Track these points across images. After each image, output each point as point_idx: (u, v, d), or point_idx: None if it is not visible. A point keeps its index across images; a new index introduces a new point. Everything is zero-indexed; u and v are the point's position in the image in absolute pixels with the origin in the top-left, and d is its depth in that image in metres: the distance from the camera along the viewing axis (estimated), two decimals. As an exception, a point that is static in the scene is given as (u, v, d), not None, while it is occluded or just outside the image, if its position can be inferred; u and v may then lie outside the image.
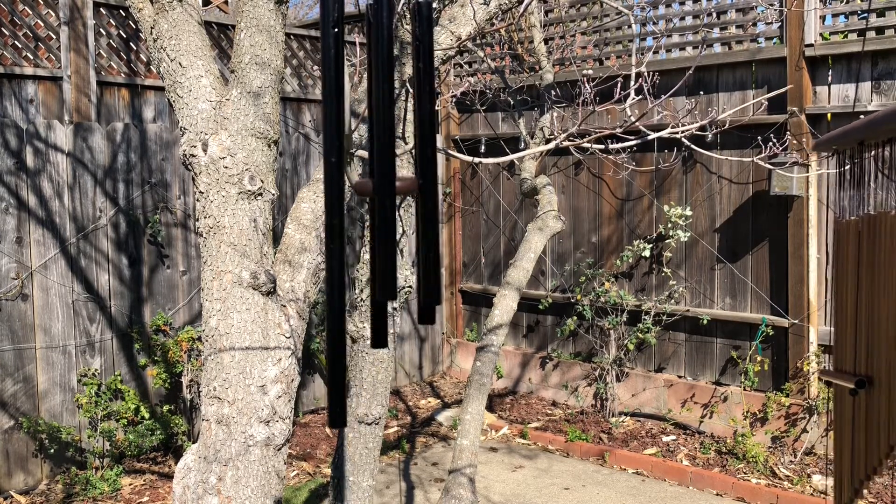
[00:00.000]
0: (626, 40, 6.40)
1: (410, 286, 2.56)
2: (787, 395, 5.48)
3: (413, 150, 2.51)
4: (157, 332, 5.57)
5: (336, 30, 0.44)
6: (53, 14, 5.26)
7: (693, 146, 4.08)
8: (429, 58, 0.46)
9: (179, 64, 2.14)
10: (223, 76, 2.23)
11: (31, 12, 5.16)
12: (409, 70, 2.37)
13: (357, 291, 2.58)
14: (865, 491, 2.03)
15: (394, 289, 0.48)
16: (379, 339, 0.55)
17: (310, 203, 2.28)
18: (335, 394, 0.45)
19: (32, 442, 5.01)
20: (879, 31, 5.09)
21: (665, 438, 5.84)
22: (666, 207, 6.09)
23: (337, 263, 0.46)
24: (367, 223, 2.70)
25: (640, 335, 6.20)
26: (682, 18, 6.03)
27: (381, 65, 0.45)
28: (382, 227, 0.46)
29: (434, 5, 2.55)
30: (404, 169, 2.44)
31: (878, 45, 5.04)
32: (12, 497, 4.86)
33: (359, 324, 2.57)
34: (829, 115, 5.35)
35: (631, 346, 6.34)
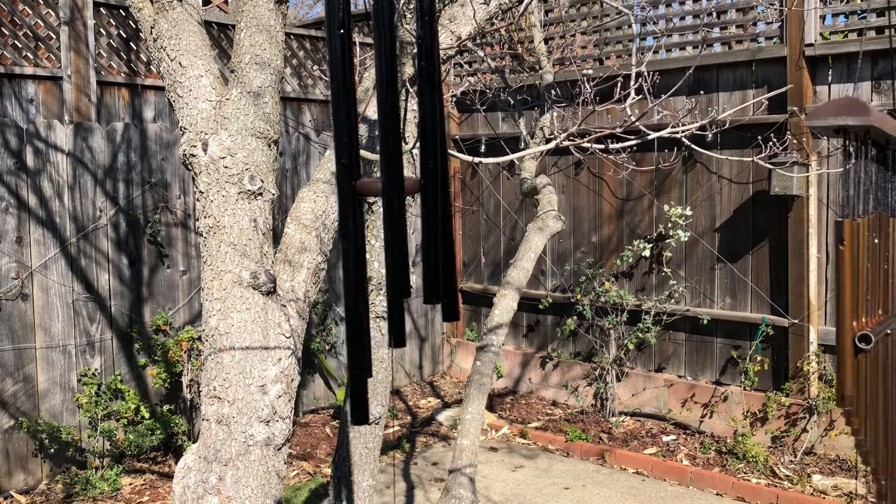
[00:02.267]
0: (626, 40, 6.40)
1: (411, 286, 2.56)
2: (788, 395, 5.48)
3: (413, 150, 2.51)
4: (157, 332, 5.57)
5: (342, 31, 0.44)
6: (53, 14, 5.26)
7: (693, 146, 4.08)
8: (431, 56, 0.46)
9: (179, 64, 2.13)
10: (223, 76, 2.23)
11: (31, 12, 5.16)
12: (409, 70, 2.36)
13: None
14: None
15: (408, 287, 0.48)
16: (396, 339, 0.55)
17: (310, 203, 2.28)
18: (357, 392, 0.45)
19: (32, 441, 5.01)
20: (879, 30, 5.09)
21: (665, 438, 5.84)
22: (666, 207, 6.09)
23: (353, 264, 0.46)
24: (367, 224, 2.70)
25: (641, 335, 6.20)
26: (682, 18, 6.03)
27: (384, 66, 0.45)
28: (393, 227, 0.46)
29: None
30: (405, 169, 2.44)
31: (878, 45, 5.04)
32: (12, 497, 4.86)
33: (359, 323, 2.57)
34: (829, 115, 5.35)
35: (631, 346, 6.34)
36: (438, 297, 0.50)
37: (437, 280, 0.50)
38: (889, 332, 1.93)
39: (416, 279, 6.57)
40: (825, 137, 5.35)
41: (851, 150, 1.80)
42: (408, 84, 2.36)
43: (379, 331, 2.57)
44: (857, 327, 1.74)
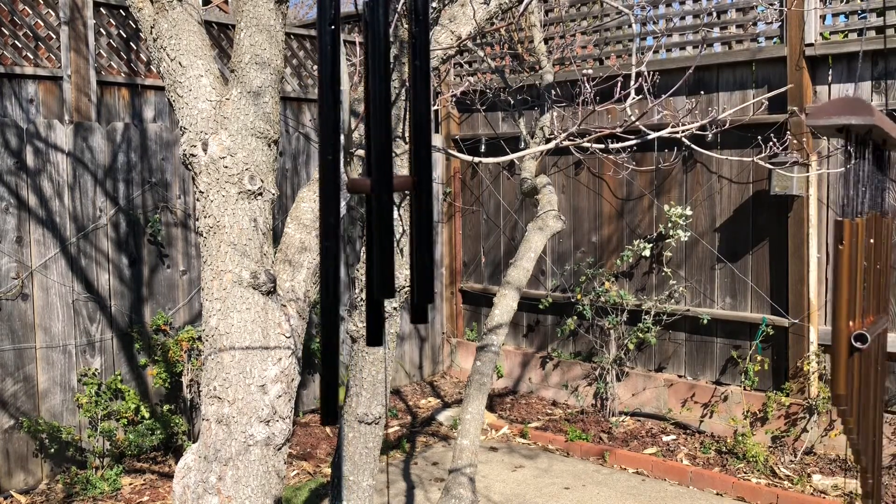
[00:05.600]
0: (626, 40, 6.40)
1: (411, 285, 2.56)
2: (788, 395, 5.48)
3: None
4: (158, 332, 5.57)
5: (332, 27, 0.44)
6: (53, 14, 5.26)
7: (693, 146, 4.08)
8: (424, 55, 0.46)
9: (179, 63, 2.14)
10: (223, 76, 2.23)
11: (31, 12, 5.16)
12: (408, 70, 2.37)
13: (357, 291, 2.58)
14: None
15: (392, 287, 0.48)
16: (374, 338, 0.55)
17: (310, 203, 2.28)
18: (328, 390, 0.45)
19: (33, 441, 5.01)
20: (879, 30, 5.09)
21: (665, 438, 5.84)
22: (666, 207, 6.09)
23: (331, 261, 0.46)
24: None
25: (641, 335, 6.20)
26: (683, 18, 6.03)
27: (377, 62, 0.45)
28: (380, 225, 0.46)
29: (434, 5, 2.55)
30: (405, 168, 2.44)
31: (878, 45, 5.04)
32: (12, 496, 4.86)
33: (358, 323, 2.57)
34: (829, 115, 5.35)
35: (631, 346, 6.34)
36: (432, 297, 0.50)
37: (432, 279, 0.50)
38: (880, 332, 1.93)
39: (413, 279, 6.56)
40: (825, 137, 5.35)
41: (852, 149, 1.80)
42: (408, 84, 2.36)
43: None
44: (853, 327, 1.74)
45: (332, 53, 0.45)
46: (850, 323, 1.74)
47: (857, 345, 1.72)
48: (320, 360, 0.51)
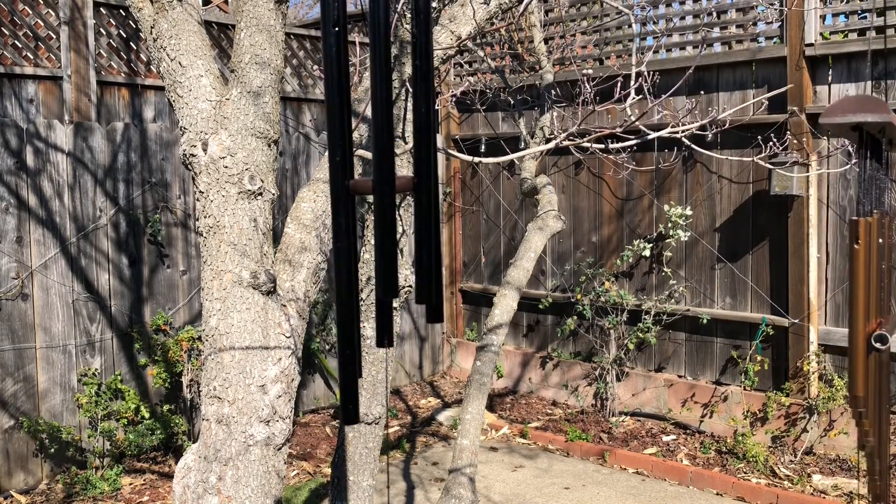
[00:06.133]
0: (626, 40, 6.40)
1: (410, 286, 2.56)
2: (788, 395, 5.48)
3: (412, 150, 2.51)
4: (158, 332, 5.57)
5: (337, 29, 0.44)
6: (53, 14, 5.26)
7: (693, 146, 4.08)
8: (426, 55, 0.46)
9: (179, 63, 2.13)
10: (223, 76, 2.23)
11: (31, 12, 5.16)
12: (409, 70, 2.36)
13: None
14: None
15: (396, 286, 0.48)
16: (383, 338, 0.55)
17: (310, 203, 2.28)
18: (347, 392, 0.45)
19: (33, 441, 5.01)
20: (879, 30, 5.09)
21: (665, 438, 5.83)
22: (666, 207, 6.09)
23: (345, 262, 0.46)
24: (367, 223, 2.70)
25: (641, 335, 6.20)
26: (683, 18, 6.03)
27: (378, 62, 0.45)
28: (383, 225, 0.46)
29: (434, 5, 2.55)
30: (405, 168, 2.44)
31: (878, 45, 5.04)
32: (12, 496, 4.86)
33: (359, 323, 2.57)
34: (829, 115, 5.34)
35: (631, 346, 6.34)
36: (431, 296, 0.50)
37: (431, 279, 0.50)
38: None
39: (415, 279, 6.56)
40: (825, 137, 5.35)
41: (860, 148, 1.79)
42: (408, 84, 2.36)
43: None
44: (871, 328, 1.74)
45: (338, 55, 0.45)
46: (868, 324, 1.73)
47: (878, 345, 1.71)
48: (338, 360, 0.51)
